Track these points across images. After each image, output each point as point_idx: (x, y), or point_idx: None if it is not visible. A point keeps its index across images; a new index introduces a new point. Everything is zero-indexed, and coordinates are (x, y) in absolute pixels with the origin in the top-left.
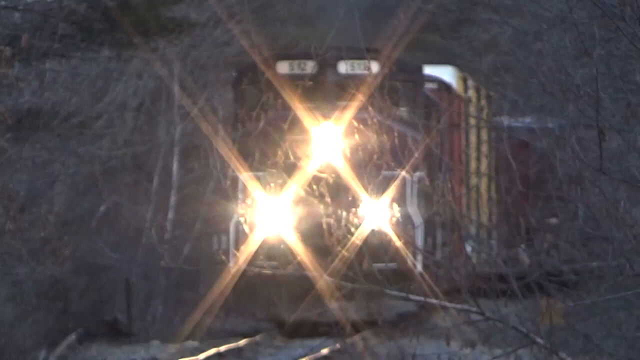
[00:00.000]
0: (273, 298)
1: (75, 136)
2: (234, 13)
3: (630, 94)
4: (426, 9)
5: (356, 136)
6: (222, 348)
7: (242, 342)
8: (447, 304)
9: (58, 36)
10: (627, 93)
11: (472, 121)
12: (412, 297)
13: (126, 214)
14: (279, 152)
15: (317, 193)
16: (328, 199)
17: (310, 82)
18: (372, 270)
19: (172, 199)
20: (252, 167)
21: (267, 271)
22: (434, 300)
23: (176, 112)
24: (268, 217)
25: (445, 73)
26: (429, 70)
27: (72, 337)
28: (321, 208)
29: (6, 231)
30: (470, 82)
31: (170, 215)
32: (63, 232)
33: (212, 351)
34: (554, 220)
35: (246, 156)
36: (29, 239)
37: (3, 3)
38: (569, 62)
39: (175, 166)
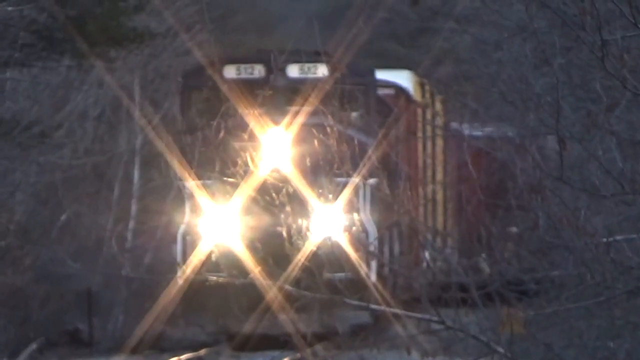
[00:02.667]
0: (222, 309)
1: (36, 145)
2: (194, 22)
3: (590, 103)
4: (385, 17)
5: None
6: (183, 357)
7: (192, 354)
8: (408, 313)
9: (19, 45)
10: (587, 102)
11: (430, 128)
12: (373, 306)
13: (87, 223)
14: (226, 160)
15: (266, 201)
16: (278, 207)
17: (270, 92)
18: (327, 280)
19: (133, 208)
20: (198, 175)
21: (215, 281)
22: (395, 310)
23: (137, 122)
24: (215, 226)
25: (402, 77)
26: (385, 75)
27: (33, 346)
28: (270, 216)
29: None
30: (427, 87)
31: (131, 224)
32: (24, 241)
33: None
34: (514, 229)
35: (192, 164)
36: None
37: None
38: (529, 71)
39: (136, 175)
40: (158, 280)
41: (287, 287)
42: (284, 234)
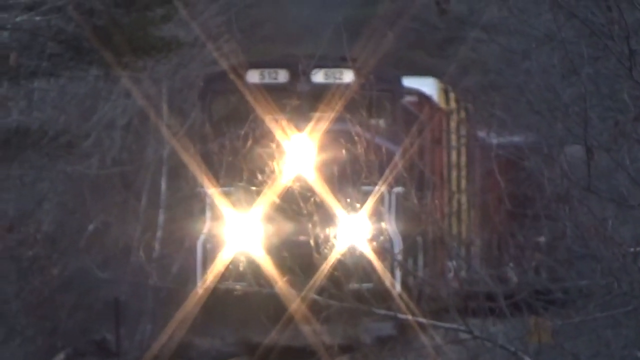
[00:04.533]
0: (243, 320)
1: (63, 155)
2: (222, 32)
3: (618, 113)
4: (413, 27)
5: (332, 149)
6: None
7: None
8: (436, 322)
9: (47, 55)
10: (615, 112)
11: (455, 136)
12: (400, 316)
13: (115, 232)
14: (248, 167)
15: (290, 209)
16: (302, 215)
17: (296, 99)
18: (353, 290)
19: (161, 218)
20: (220, 183)
21: (240, 290)
22: (422, 319)
23: (164, 131)
24: (237, 234)
25: (426, 85)
26: (409, 82)
27: (61, 356)
28: (293, 225)
29: None
30: (451, 94)
31: (159, 234)
32: (51, 251)
33: None
34: (542, 239)
35: (214, 171)
36: (18, 258)
37: None
38: (557, 81)
39: (163, 185)
40: (183, 289)
41: (315, 296)
42: (311, 242)
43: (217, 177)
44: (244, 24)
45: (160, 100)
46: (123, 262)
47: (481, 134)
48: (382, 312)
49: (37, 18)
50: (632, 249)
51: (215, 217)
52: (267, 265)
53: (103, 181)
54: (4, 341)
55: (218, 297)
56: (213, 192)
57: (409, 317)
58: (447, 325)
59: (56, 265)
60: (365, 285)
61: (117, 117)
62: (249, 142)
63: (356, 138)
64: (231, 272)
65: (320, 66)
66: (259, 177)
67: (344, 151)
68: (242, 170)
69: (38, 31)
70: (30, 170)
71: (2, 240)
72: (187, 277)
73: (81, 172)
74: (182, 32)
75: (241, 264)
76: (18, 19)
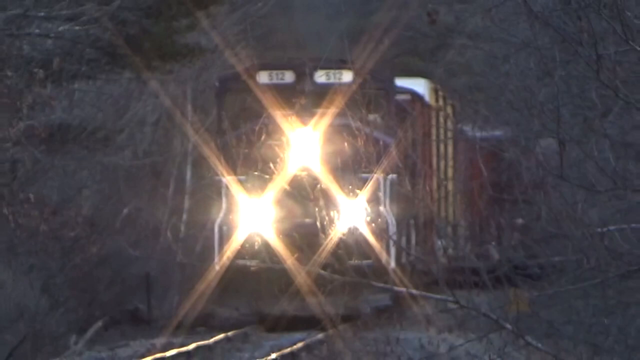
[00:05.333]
0: (255, 293)
1: (100, 148)
2: (239, 40)
3: (587, 110)
4: (407, 35)
5: (333, 141)
6: (230, 334)
7: (237, 331)
8: (428, 294)
9: (85, 60)
10: (584, 109)
11: (442, 130)
12: (396, 289)
13: (146, 216)
14: (260, 157)
15: (296, 195)
16: (307, 200)
17: (301, 97)
18: (354, 266)
19: (186, 203)
20: (234, 172)
21: (256, 266)
22: (416, 291)
23: (189, 127)
24: (249, 217)
25: (418, 84)
26: (403, 82)
27: (99, 323)
28: (300, 209)
29: (40, 232)
30: (440, 93)
31: (184, 217)
32: (90, 232)
33: (220, 335)
34: (520, 221)
35: (229, 161)
36: (61, 238)
37: (37, 31)
38: (533, 82)
39: (188, 174)
40: (205, 266)
41: (321, 271)
42: (317, 224)
43: (232, 166)
44: (258, 33)
45: (185, 100)
46: (153, 241)
47: (466, 128)
48: (380, 285)
49: (77, 28)
50: (599, 230)
51: (230, 203)
52: (277, 245)
53: (135, 171)
54: (49, 311)
55: (233, 273)
56: (228, 180)
57: (404, 289)
58: (437, 296)
59: (94, 244)
60: (365, 262)
61: (147, 114)
62: (261, 135)
63: (356, 132)
64: (245, 251)
65: (322, 68)
66: (270, 166)
67: (345, 143)
68: (254, 160)
69: (78, 39)
70: (71, 161)
71: (47, 223)
72: (208, 255)
73: (116, 163)
74: (204, 39)
75: (254, 244)
76: (60, 28)
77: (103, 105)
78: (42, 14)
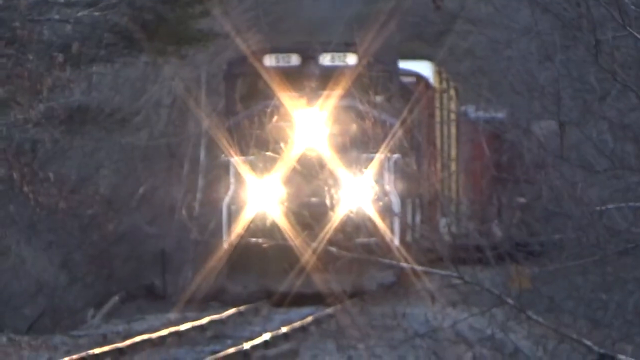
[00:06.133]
0: (263, 270)
1: (117, 129)
2: (251, 25)
3: (586, 93)
4: (413, 21)
5: (338, 122)
6: (242, 308)
7: (249, 305)
8: (433, 270)
9: (104, 44)
10: (583, 92)
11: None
12: (403, 265)
13: (161, 194)
14: (267, 137)
15: (305, 174)
16: (316, 179)
17: (307, 79)
18: (361, 243)
19: (200, 182)
20: (242, 152)
21: (265, 243)
22: (422, 267)
23: (203, 109)
24: (257, 196)
25: (423, 67)
26: (409, 65)
27: (116, 298)
28: (307, 188)
29: (59, 209)
30: (444, 75)
31: (198, 196)
32: (108, 210)
33: (232, 310)
34: (522, 200)
35: (237, 142)
36: (79, 216)
37: (57, 17)
38: (534, 66)
39: (202, 154)
40: (217, 243)
41: (330, 248)
42: (326, 202)
43: (240, 147)
44: (270, 19)
45: (199, 83)
46: (168, 219)
47: (469, 110)
48: (387, 261)
49: (96, 13)
50: (598, 208)
51: (238, 183)
52: (284, 223)
53: (151, 151)
54: (67, 286)
55: (241, 251)
56: (236, 160)
57: (410, 266)
58: (442, 272)
59: (112, 222)
60: (369, 240)
61: (163, 97)
62: (268, 117)
63: (362, 113)
64: (253, 229)
65: (327, 51)
66: (277, 147)
67: (350, 124)
68: (262, 141)
69: (96, 25)
70: (89, 142)
71: (66, 201)
72: (220, 233)
73: (133, 144)
74: (218, 25)
75: (264, 221)
76: (79, 14)
77: (120, 88)
78: (62, 0)
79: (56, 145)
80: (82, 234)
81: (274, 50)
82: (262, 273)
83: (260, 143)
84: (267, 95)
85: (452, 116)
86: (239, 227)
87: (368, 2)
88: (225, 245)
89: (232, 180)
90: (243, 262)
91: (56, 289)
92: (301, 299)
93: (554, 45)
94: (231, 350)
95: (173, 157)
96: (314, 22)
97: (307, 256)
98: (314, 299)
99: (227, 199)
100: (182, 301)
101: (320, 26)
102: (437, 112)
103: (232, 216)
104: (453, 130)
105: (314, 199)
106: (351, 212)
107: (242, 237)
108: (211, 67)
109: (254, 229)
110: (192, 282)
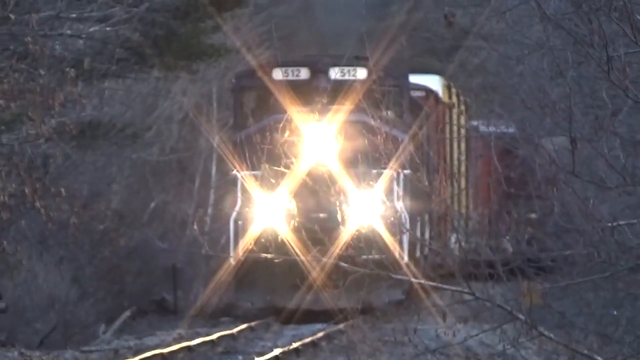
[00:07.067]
0: (270, 287)
1: (129, 144)
2: (263, 40)
3: (598, 109)
4: (425, 37)
5: (348, 137)
6: (253, 323)
7: (260, 321)
8: (445, 286)
9: (115, 60)
10: (595, 108)
11: (456, 127)
12: (414, 281)
13: (172, 209)
14: (276, 152)
15: (313, 190)
16: (325, 194)
17: (319, 96)
18: (373, 259)
19: (211, 197)
20: (249, 166)
21: (277, 258)
22: (434, 283)
23: (214, 124)
24: (264, 212)
25: (432, 81)
26: (418, 79)
27: (127, 313)
28: (315, 203)
29: (71, 224)
30: (453, 89)
31: (210, 210)
32: (119, 225)
33: (243, 325)
34: (533, 215)
35: (244, 156)
36: (91, 231)
37: (69, 32)
38: (546, 82)
39: (213, 169)
40: (226, 258)
41: (341, 263)
42: (336, 217)
43: (247, 161)
44: (282, 33)
45: (210, 98)
46: (179, 234)
47: (480, 125)
48: (400, 277)
49: (108, 29)
50: (609, 224)
51: (246, 198)
52: (292, 239)
53: (163, 166)
54: (79, 301)
55: (248, 267)
56: (243, 175)
57: (422, 281)
58: (453, 288)
59: (123, 237)
60: (379, 256)
61: (174, 112)
62: (276, 131)
63: (374, 128)
64: (260, 245)
65: (337, 64)
66: (285, 161)
67: (360, 139)
68: (270, 155)
69: (108, 40)
70: (101, 157)
71: (78, 216)
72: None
73: (144, 159)
74: (229, 40)
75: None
76: (91, 29)
77: (132, 103)
78: (74, 15)
79: (68, 160)
80: (94, 249)
81: (283, 63)
82: (269, 289)
83: (268, 157)
84: (276, 109)
85: (462, 131)
86: (246, 242)
87: (380, 18)
88: (232, 261)
89: (239, 195)
90: (250, 278)
91: (67, 304)
92: (309, 316)
93: (565, 62)
94: None
95: (184, 172)
96: (326, 38)
97: (316, 272)
98: (322, 316)
99: (234, 214)
100: (193, 316)
101: (332, 42)
102: (447, 127)
103: (239, 231)
104: (463, 145)
105: (322, 214)
106: (362, 227)
107: (249, 252)
108: (222, 82)
109: (261, 245)
110: (203, 297)
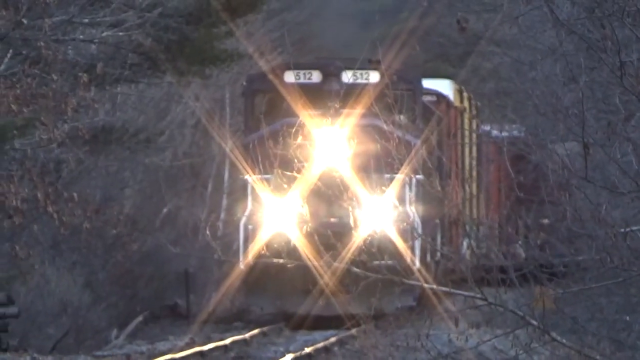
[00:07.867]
0: (280, 293)
1: (142, 149)
2: (276, 45)
3: (610, 114)
4: (438, 42)
5: (360, 141)
6: (265, 328)
7: (273, 326)
8: (457, 291)
9: (128, 65)
10: (608, 114)
11: (467, 130)
12: (427, 286)
13: (185, 214)
14: (287, 155)
15: (324, 193)
16: (337, 199)
17: (338, 104)
18: (382, 264)
19: (224, 202)
20: (260, 170)
21: (290, 263)
22: (446, 289)
23: (227, 129)
24: (275, 216)
25: (444, 86)
26: (429, 83)
27: (139, 318)
28: (325, 208)
29: (84, 229)
30: (465, 94)
31: (222, 215)
32: (132, 230)
33: (256, 330)
34: (546, 221)
35: (255, 160)
36: (103, 236)
37: (82, 37)
38: (558, 88)
39: (226, 174)
40: (237, 263)
41: (354, 268)
42: (349, 223)
43: (258, 165)
44: (295, 39)
45: (223, 103)
46: (192, 239)
47: (494, 130)
48: (413, 282)
49: (120, 34)
50: (622, 230)
51: (256, 202)
52: (304, 244)
53: (175, 171)
54: (91, 306)
55: (258, 272)
56: (253, 179)
57: (435, 287)
58: (466, 293)
59: (135, 242)
60: (391, 262)
61: (187, 117)
62: (288, 135)
63: (386, 133)
64: (271, 249)
65: (350, 68)
66: (296, 165)
67: (371, 143)
68: (281, 159)
69: (121, 45)
70: (114, 162)
71: (90, 221)
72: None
73: (157, 164)
74: (242, 45)
75: (282, 241)
76: (104, 34)
77: (145, 108)
78: (87, 20)
79: (80, 165)
80: (106, 254)
81: (295, 66)
82: (279, 295)
83: (280, 161)
84: (288, 112)
85: (474, 136)
86: (256, 247)
87: (392, 23)
88: (242, 266)
89: (249, 199)
90: (260, 283)
91: (80, 309)
92: (320, 322)
93: (578, 67)
94: None
95: (197, 177)
96: (338, 43)
97: (327, 278)
98: (333, 322)
99: (244, 219)
100: (205, 321)
101: (344, 47)
102: (459, 131)
103: (249, 236)
104: (474, 149)
105: (334, 219)
106: (375, 232)
107: (259, 257)
108: (235, 88)
109: (271, 249)
110: (215, 302)
